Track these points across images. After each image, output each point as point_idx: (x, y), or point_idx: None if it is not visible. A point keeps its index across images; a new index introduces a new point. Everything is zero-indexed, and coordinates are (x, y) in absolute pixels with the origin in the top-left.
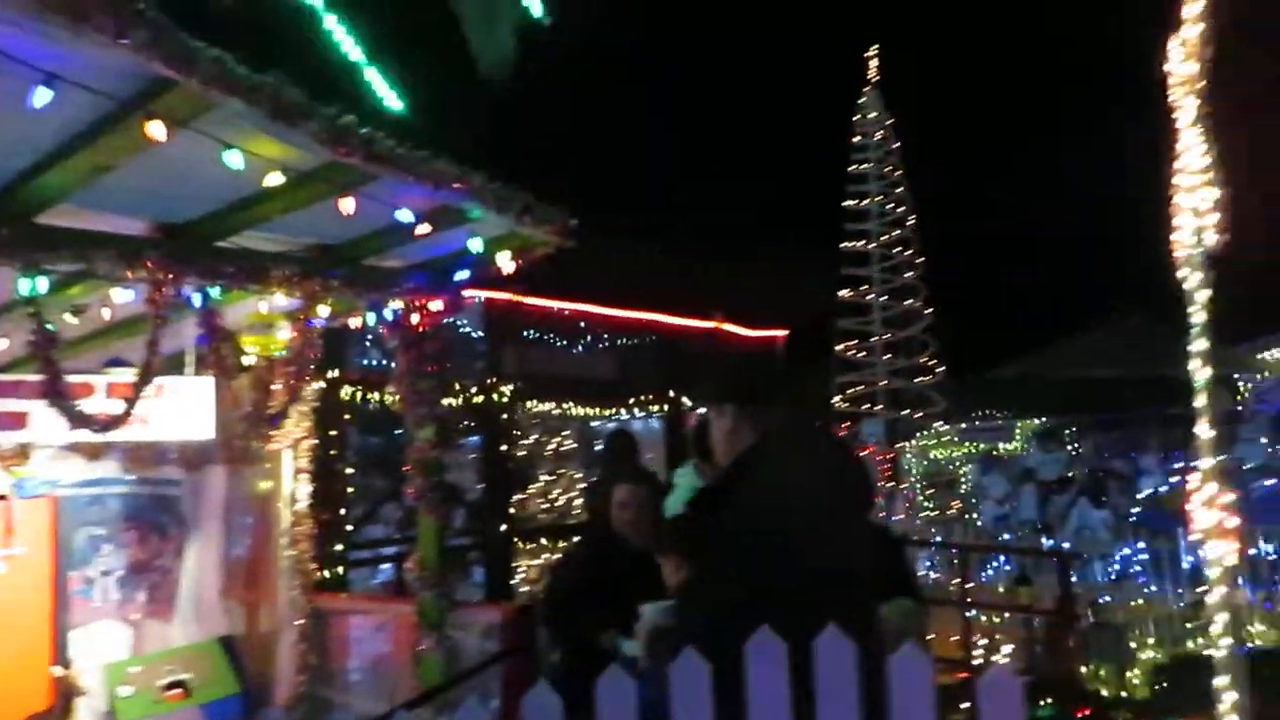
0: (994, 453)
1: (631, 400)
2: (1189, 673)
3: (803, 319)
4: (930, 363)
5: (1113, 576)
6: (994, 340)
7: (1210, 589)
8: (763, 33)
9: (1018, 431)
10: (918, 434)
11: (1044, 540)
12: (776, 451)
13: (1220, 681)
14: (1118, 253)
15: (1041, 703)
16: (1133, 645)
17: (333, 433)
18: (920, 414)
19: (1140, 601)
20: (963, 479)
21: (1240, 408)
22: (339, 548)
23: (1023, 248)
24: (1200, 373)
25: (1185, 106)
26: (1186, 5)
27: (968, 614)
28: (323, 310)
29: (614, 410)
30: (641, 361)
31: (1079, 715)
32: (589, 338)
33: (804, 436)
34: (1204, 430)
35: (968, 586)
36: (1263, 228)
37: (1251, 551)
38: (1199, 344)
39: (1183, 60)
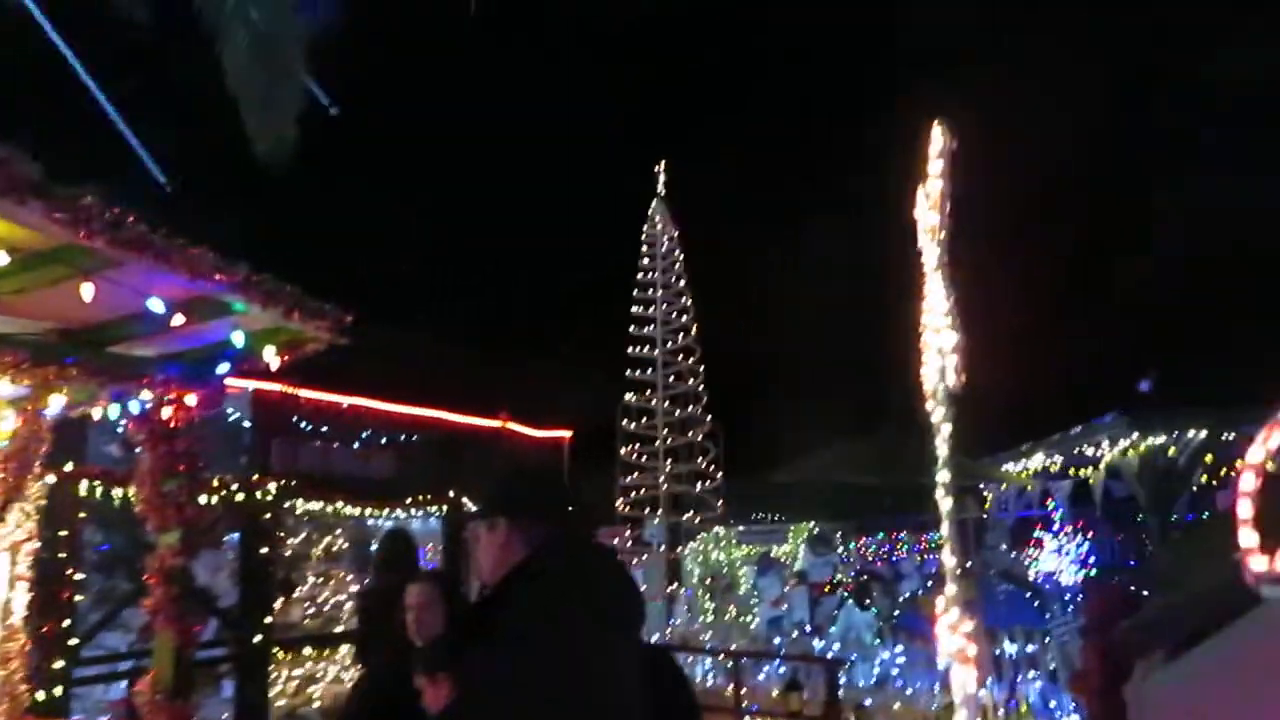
0: (769, 555)
1: (410, 499)
2: None
3: (588, 421)
4: (709, 467)
5: (875, 679)
6: (769, 446)
7: (955, 712)
8: (560, 133)
9: (791, 534)
10: (698, 536)
11: (815, 642)
12: (548, 570)
13: None
14: (878, 368)
15: None
16: None
17: (63, 533)
18: (700, 517)
19: (899, 705)
20: (741, 581)
21: (986, 516)
22: (60, 664)
23: (794, 357)
24: (943, 502)
25: (928, 252)
26: (930, 162)
27: None
28: (56, 400)
29: (391, 510)
30: (422, 459)
31: None
32: (367, 433)
33: (576, 554)
34: (948, 557)
35: (742, 692)
36: (999, 365)
37: (996, 651)
38: (942, 474)
39: (928, 209)
